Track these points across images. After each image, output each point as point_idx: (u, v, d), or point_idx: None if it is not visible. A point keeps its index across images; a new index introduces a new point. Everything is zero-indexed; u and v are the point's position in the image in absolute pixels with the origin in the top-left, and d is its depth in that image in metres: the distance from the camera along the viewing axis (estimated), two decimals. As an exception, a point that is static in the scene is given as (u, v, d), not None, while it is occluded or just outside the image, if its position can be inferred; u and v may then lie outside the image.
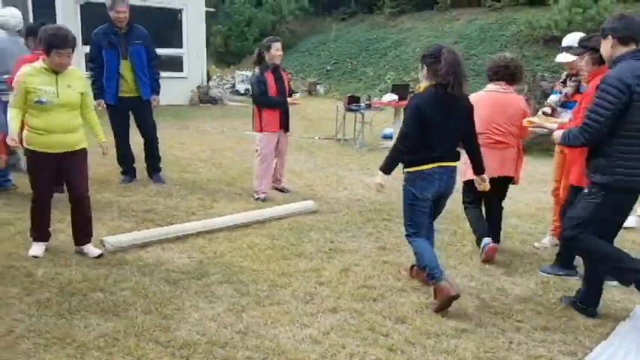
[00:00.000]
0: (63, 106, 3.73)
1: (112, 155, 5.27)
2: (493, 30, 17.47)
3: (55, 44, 3.58)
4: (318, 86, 18.74)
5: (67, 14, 11.01)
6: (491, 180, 3.91)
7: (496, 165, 4.22)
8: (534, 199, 6.20)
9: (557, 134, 3.51)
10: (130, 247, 4.17)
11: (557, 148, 4.66)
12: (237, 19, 22.99)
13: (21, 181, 5.37)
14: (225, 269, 3.92)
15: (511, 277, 4.04)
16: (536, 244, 4.76)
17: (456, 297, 3.36)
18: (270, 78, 5.64)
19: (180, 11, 13.52)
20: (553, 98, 4.85)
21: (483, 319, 3.37)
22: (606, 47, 3.30)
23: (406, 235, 3.72)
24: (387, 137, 9.74)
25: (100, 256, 3.99)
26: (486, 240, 4.23)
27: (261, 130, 5.71)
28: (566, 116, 4.42)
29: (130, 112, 5.98)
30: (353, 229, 4.94)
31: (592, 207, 3.29)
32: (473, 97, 3.96)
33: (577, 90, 4.53)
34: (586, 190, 3.37)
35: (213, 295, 3.51)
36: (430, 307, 3.47)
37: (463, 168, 4.20)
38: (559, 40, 16.61)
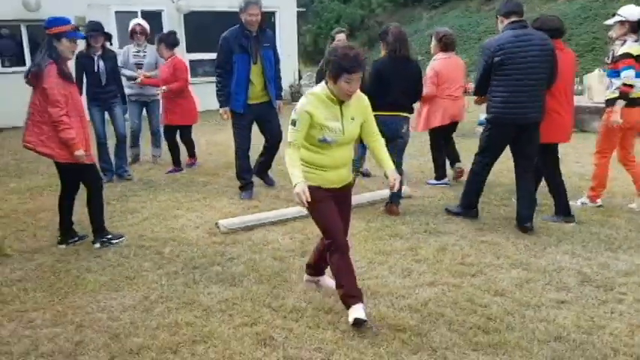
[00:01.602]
0: (346, 143, 3.10)
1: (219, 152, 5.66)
2: (595, 8, 16.43)
3: (346, 68, 2.88)
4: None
5: (172, 23, 11.91)
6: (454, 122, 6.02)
7: (457, 111, 5.96)
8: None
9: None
10: (240, 229, 4.58)
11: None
12: (327, 17, 23.40)
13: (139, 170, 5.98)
14: (326, 247, 4.20)
15: (614, 252, 3.97)
16: (630, 205, 5.05)
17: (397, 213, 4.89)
18: None
19: (273, 13, 14.10)
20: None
21: (584, 292, 3.38)
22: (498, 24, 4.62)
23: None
24: (482, 124, 9.58)
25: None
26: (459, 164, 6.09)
27: None
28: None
29: (254, 119, 5.58)
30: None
31: (485, 137, 4.61)
32: (437, 64, 5.85)
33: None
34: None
35: (317, 270, 3.80)
36: (528, 282, 3.53)
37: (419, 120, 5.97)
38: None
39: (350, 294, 3.05)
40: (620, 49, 4.75)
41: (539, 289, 3.45)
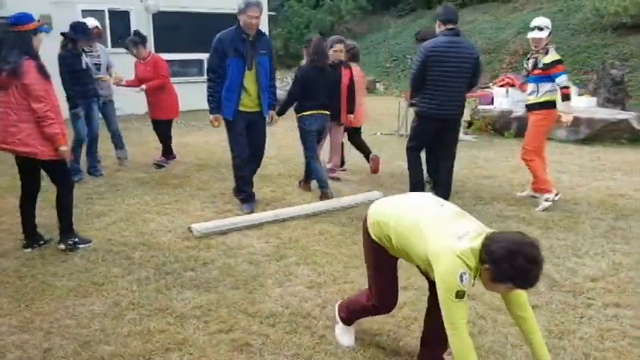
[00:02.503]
0: None
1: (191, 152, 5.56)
2: (559, 19, 16.96)
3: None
4: (377, 84, 18.85)
5: (140, 23, 11.70)
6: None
7: (360, 116, 6.63)
8: (605, 186, 6.12)
9: None
10: (214, 233, 4.52)
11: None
12: (297, 22, 23.46)
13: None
14: (300, 252, 4.19)
15: (581, 258, 4.08)
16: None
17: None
18: None
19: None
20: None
21: (554, 297, 3.46)
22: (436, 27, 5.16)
23: (306, 156, 5.74)
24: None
25: None
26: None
27: None
28: (528, 90, 5.50)
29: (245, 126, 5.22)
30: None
31: (413, 128, 5.34)
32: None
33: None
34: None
35: (292, 275, 3.78)
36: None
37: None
38: (629, 26, 15.99)
39: None
40: (546, 57, 5.19)
41: (510, 294, 3.51)
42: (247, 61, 4.96)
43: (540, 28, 5.25)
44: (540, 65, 5.22)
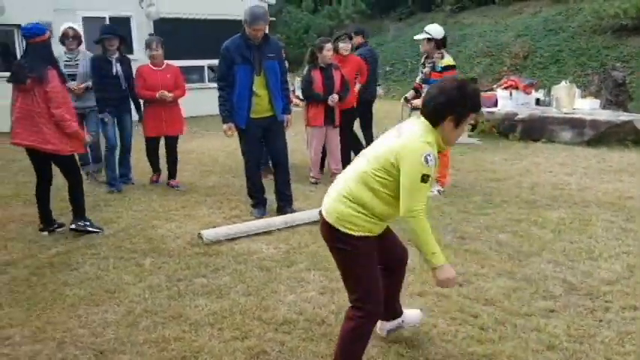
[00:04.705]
0: None
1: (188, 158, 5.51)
2: (558, 22, 16.99)
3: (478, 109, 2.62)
4: (377, 87, 18.82)
5: (141, 29, 11.69)
6: None
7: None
8: (613, 188, 6.09)
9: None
10: (225, 239, 4.46)
11: None
12: (296, 27, 23.45)
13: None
14: (311, 258, 4.15)
15: (596, 261, 4.04)
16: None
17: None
18: (317, 76, 6.19)
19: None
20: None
21: (571, 300, 3.42)
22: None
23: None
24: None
25: None
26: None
27: (308, 125, 6.42)
28: None
29: (261, 135, 5.15)
30: (429, 220, 5.04)
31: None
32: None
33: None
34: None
35: (303, 280, 3.75)
36: (515, 291, 3.56)
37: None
38: (629, 28, 15.99)
39: None
40: (443, 61, 5.68)
41: (527, 297, 3.48)
42: (255, 67, 4.90)
43: (428, 33, 5.73)
44: (438, 69, 5.69)
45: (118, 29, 6.05)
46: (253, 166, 5.22)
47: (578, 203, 5.48)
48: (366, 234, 2.48)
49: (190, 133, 8.76)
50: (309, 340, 2.98)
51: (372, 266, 2.53)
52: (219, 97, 5.03)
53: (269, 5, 13.32)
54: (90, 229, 4.63)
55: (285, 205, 5.25)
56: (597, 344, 2.92)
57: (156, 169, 6.51)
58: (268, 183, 5.47)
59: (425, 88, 5.68)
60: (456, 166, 6.93)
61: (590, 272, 3.84)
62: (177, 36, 12.35)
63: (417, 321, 3.03)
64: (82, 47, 6.30)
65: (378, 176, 2.42)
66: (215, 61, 5.70)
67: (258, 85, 4.94)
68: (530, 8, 18.77)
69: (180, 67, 6.47)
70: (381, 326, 2.96)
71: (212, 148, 8.64)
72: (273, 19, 18.30)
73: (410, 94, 6.17)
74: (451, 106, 2.40)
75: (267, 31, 5.00)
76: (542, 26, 17.16)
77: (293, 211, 5.18)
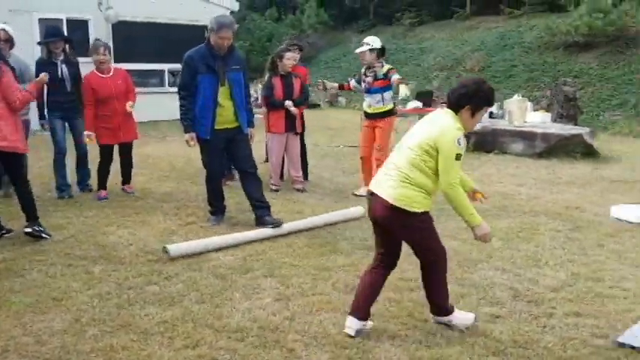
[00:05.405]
0: None
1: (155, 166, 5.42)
2: (513, 37, 17.59)
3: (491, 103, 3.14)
4: (339, 97, 19.00)
5: (100, 33, 11.45)
6: None
7: None
8: (562, 198, 6.33)
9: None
10: (194, 254, 4.29)
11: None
12: (259, 35, 23.48)
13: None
14: (268, 265, 4.15)
15: (541, 269, 4.19)
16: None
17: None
18: (277, 83, 6.28)
19: (206, 27, 13.92)
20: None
21: (517, 307, 3.53)
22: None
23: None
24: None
25: None
26: None
27: (268, 131, 6.46)
28: (372, 101, 6.19)
29: (224, 147, 5.05)
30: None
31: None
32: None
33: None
34: None
35: (259, 287, 3.74)
36: (463, 297, 3.65)
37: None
38: (580, 45, 16.67)
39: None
40: (383, 69, 6.02)
41: (474, 303, 3.58)
42: (220, 77, 4.81)
43: (368, 44, 5.98)
44: (380, 76, 6.01)
45: (62, 31, 5.83)
46: (215, 177, 5.15)
47: (527, 213, 5.67)
48: (427, 209, 3.07)
49: (147, 137, 8.63)
50: (261, 347, 2.97)
51: (435, 232, 3.18)
52: (181, 106, 4.91)
53: (231, 12, 13.27)
54: (44, 235, 4.56)
55: (263, 214, 5.04)
56: (540, 349, 3.02)
57: (103, 185, 6.04)
58: (227, 190, 5.44)
59: (373, 98, 6.16)
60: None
61: (535, 279, 3.98)
62: (137, 39, 12.20)
63: (469, 324, 3.25)
64: (14, 51, 5.72)
65: (424, 159, 2.98)
66: (175, 66, 5.66)
67: (223, 96, 4.86)
68: (485, 23, 19.37)
69: (140, 70, 6.38)
70: (350, 324, 3.13)
71: (170, 154, 8.54)
72: (237, 25, 18.30)
73: (332, 83, 6.99)
74: (469, 97, 2.99)
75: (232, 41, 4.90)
76: (497, 41, 17.72)
77: (274, 220, 4.95)
